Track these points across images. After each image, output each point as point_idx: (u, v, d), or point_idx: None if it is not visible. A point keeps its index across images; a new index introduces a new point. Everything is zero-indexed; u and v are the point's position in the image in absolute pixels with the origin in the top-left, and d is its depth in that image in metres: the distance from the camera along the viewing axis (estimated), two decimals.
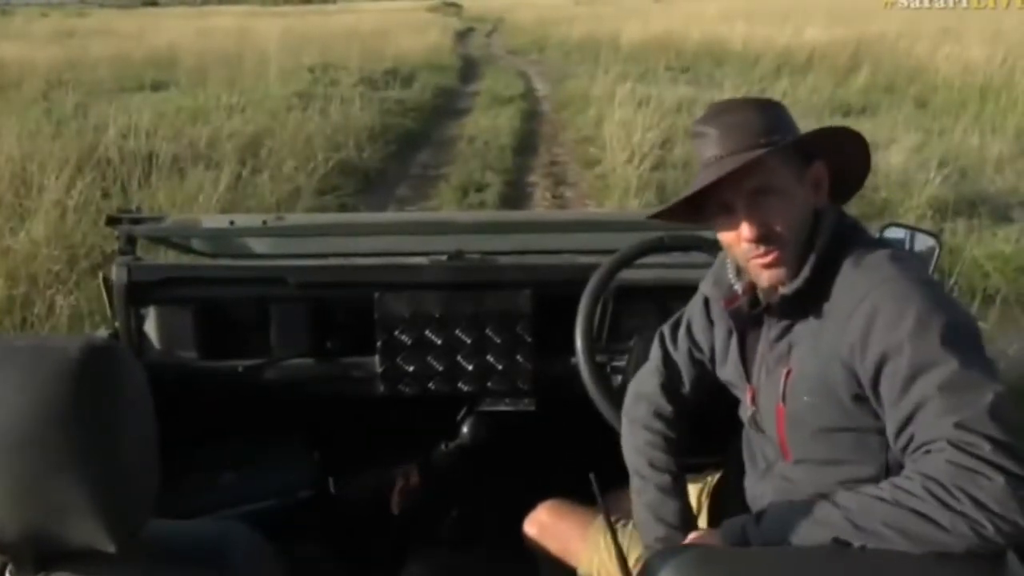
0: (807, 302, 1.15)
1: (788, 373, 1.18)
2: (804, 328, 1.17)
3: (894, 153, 6.58)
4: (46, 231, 4.07)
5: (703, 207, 1.22)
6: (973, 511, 0.89)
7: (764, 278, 1.19)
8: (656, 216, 1.32)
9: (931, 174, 5.74)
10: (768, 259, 1.16)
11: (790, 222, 1.15)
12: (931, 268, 1.65)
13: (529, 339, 1.74)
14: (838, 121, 8.64)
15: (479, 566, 1.94)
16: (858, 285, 1.09)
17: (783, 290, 1.17)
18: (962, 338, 1.00)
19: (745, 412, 1.32)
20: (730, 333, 1.32)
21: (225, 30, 17.00)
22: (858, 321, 1.06)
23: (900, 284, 1.06)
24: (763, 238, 1.15)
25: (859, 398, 1.09)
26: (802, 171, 1.17)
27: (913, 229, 1.74)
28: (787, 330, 1.20)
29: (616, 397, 1.53)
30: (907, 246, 1.70)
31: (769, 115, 1.17)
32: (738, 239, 1.17)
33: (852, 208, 1.26)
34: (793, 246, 1.15)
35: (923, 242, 1.70)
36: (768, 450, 1.27)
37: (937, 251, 1.67)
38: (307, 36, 16.16)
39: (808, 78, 10.70)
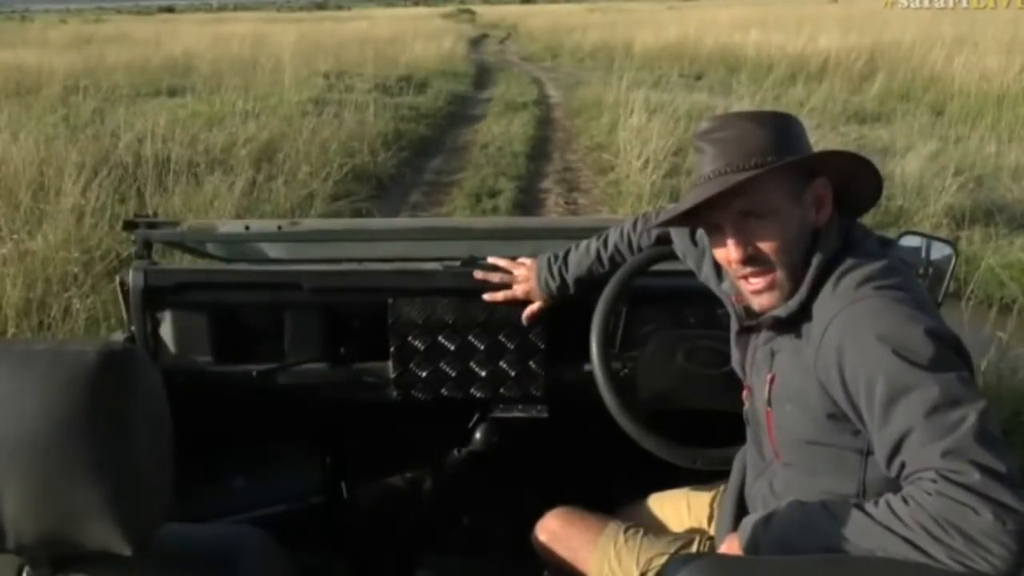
0: (793, 320, 1.15)
1: (773, 379, 1.19)
2: (786, 340, 1.17)
3: (910, 161, 6.54)
4: (63, 235, 4.11)
5: (699, 220, 1.22)
6: (963, 547, 0.88)
7: (755, 303, 1.19)
8: (658, 226, 1.35)
9: (947, 182, 5.70)
10: (757, 285, 1.16)
11: (781, 244, 1.13)
12: (947, 277, 1.64)
13: (542, 345, 1.74)
14: (854, 128, 8.63)
15: (489, 573, 1.93)
16: (830, 308, 1.08)
17: (776, 312, 1.16)
18: (937, 355, 0.98)
19: (745, 406, 1.33)
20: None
21: (240, 36, 17.06)
22: (828, 346, 1.06)
23: (869, 306, 1.04)
24: (751, 260, 1.14)
25: (834, 416, 1.09)
26: (801, 189, 1.14)
27: (929, 237, 1.73)
28: (772, 337, 1.21)
29: (631, 404, 1.53)
30: (923, 254, 1.68)
31: (770, 131, 1.13)
32: (728, 259, 1.16)
33: (868, 216, 1.25)
34: (785, 267, 1.14)
35: (939, 250, 1.69)
36: (766, 447, 1.27)
37: (953, 259, 1.66)
38: (322, 43, 16.23)
39: (823, 85, 10.65)
